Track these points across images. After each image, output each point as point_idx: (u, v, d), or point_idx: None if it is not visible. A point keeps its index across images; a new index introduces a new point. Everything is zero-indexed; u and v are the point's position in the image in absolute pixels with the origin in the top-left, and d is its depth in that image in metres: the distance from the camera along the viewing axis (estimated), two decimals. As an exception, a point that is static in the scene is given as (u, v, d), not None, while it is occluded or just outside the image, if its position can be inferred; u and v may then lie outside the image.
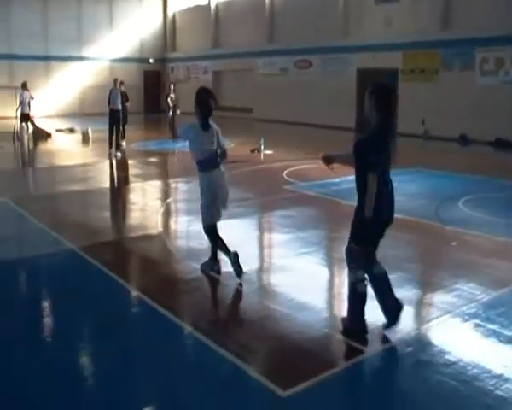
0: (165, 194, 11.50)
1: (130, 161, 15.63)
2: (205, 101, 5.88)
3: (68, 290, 5.80)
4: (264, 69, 29.11)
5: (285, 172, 12.85)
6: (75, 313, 5.27)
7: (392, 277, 6.22)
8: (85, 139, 19.98)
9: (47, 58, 32.13)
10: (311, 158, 14.80)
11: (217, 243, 6.12)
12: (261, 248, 7.60)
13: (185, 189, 11.31)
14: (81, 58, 33.42)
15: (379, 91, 4.55)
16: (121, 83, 17.85)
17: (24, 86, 20.45)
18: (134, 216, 9.33)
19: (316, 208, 9.62)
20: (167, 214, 9.35)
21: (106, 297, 5.66)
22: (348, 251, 4.75)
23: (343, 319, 4.85)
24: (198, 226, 8.36)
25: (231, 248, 6.01)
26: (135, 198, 10.93)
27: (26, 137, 19.65)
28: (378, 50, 22.73)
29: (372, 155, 4.43)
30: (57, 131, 22.67)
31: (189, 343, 4.78)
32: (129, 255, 7.28)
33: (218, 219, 6.12)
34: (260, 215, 9.40)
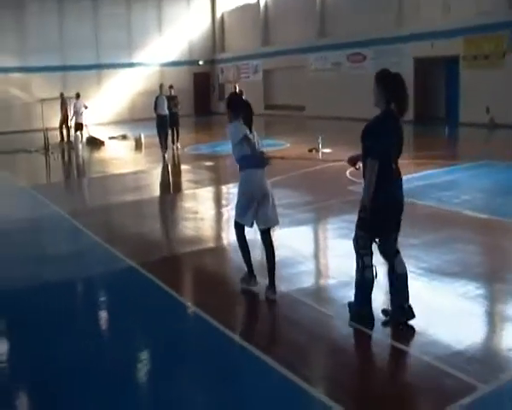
0: (223, 201, 10.95)
1: (183, 166, 15.27)
2: (245, 107, 5.50)
3: (133, 312, 5.35)
4: (316, 65, 28.28)
5: (348, 171, 12.05)
6: (144, 337, 4.85)
7: (492, 290, 5.50)
8: (138, 146, 19.80)
9: (98, 66, 32.39)
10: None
11: (243, 249, 5.60)
12: (336, 258, 6.81)
13: None
14: (131, 64, 33.53)
15: (386, 79, 4.52)
16: (171, 87, 17.71)
17: (77, 96, 20.52)
18: (193, 227, 8.79)
19: (387, 210, 8.83)
20: (228, 224, 8.67)
21: (172, 320, 5.16)
22: (355, 237, 4.66)
23: (349, 303, 4.80)
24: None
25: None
26: (192, 206, 10.43)
27: (80, 146, 19.61)
28: (436, 38, 21.56)
29: (370, 140, 4.46)
30: (110, 138, 22.61)
31: (267, 376, 4.14)
32: (192, 273, 6.74)
33: (251, 225, 5.49)
34: (328, 220, 8.69)
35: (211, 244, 7.48)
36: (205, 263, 6.84)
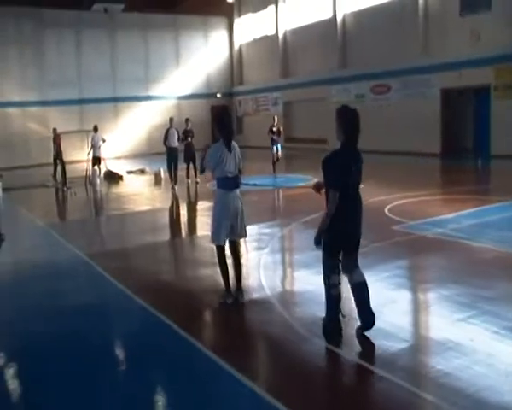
0: (259, 242, 9.80)
1: (206, 203, 14.34)
2: (228, 125, 6.25)
3: (176, 382, 4.44)
4: (338, 97, 27.58)
5: (386, 208, 11.19)
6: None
7: None
8: (157, 180, 19.14)
9: (115, 99, 32.07)
10: (407, 190, 13.15)
11: (222, 266, 6.26)
12: (402, 315, 5.74)
13: (282, 234, 9.79)
14: (148, 97, 33.16)
15: (345, 114, 4.94)
16: (187, 120, 17.56)
17: (95, 129, 19.95)
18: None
19: (444, 255, 7.87)
20: (270, 270, 7.68)
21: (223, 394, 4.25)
22: (322, 259, 5.01)
23: (323, 319, 5.13)
24: (315, 286, 6.75)
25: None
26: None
27: (98, 181, 18.93)
28: (465, 67, 20.84)
29: (332, 173, 4.82)
30: (128, 172, 21.95)
31: None
32: (241, 332, 5.66)
33: (224, 242, 6.19)
34: (381, 267, 7.66)
35: (255, 295, 6.47)
36: (254, 320, 5.88)
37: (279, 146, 19.20)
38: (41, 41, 29.94)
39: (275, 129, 19.15)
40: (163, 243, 9.98)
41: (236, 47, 36.28)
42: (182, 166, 17.03)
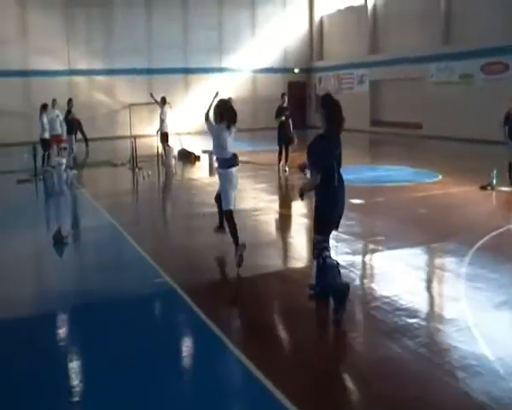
0: (442, 285, 6.61)
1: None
2: (233, 115, 7.22)
3: None
4: (438, 76, 24.17)
5: None
6: None
7: None
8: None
9: (186, 70, 29.63)
10: None
11: (233, 227, 7.08)
12: None
13: (469, 272, 6.64)
14: (221, 69, 30.51)
15: (328, 104, 5.30)
16: (283, 95, 15.56)
17: (164, 101, 17.45)
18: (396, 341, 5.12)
19: None
20: (491, 336, 4.94)
21: None
22: (314, 242, 5.43)
23: (309, 286, 5.63)
24: None
25: None
26: (379, 291, 6.78)
27: (173, 161, 16.46)
28: None
29: (316, 156, 5.23)
30: (203, 152, 19.39)
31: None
32: None
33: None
34: None
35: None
36: None
37: None
38: (109, 4, 27.72)
39: None
40: (280, 273, 7.06)
41: (317, 18, 33.05)
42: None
